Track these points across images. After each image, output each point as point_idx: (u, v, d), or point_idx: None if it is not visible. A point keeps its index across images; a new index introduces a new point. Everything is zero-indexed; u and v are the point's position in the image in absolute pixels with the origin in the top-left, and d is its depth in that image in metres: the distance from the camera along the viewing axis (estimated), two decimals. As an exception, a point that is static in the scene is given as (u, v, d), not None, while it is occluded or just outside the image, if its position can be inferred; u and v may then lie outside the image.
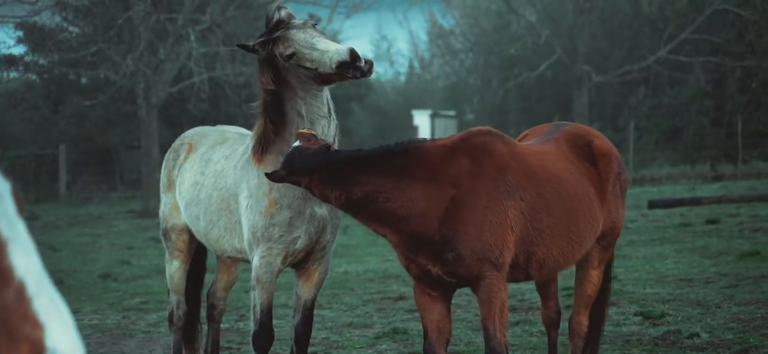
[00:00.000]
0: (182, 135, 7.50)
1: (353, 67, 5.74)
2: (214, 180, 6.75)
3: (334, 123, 6.26)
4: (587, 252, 6.46)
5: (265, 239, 6.27)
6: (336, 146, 6.18)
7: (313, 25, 6.11)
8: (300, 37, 5.97)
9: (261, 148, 6.24)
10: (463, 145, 5.86)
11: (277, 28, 6.05)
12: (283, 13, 6.12)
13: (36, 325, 1.93)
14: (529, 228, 5.86)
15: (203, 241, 7.02)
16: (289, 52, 5.97)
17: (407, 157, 5.70)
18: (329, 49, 5.84)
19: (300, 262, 6.53)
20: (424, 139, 6.00)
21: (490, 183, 5.76)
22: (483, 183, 5.75)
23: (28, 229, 2.11)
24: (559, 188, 6.05)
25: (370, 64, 5.81)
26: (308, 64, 5.92)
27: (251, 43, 6.22)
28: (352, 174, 5.60)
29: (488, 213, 5.71)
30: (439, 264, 5.71)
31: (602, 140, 6.56)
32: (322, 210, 6.26)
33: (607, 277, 6.88)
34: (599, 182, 6.35)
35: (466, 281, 5.82)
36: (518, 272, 6.04)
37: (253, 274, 6.37)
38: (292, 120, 6.13)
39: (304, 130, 5.91)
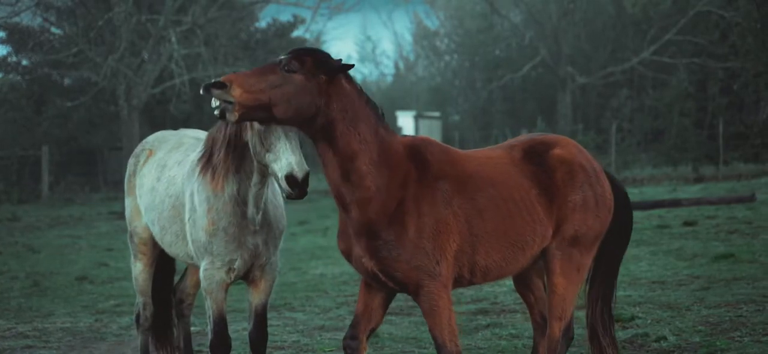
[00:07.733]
0: (144, 140, 7.59)
1: None
2: (166, 186, 6.85)
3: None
4: (547, 260, 6.41)
5: (208, 253, 6.41)
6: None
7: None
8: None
9: (212, 171, 6.34)
10: (407, 151, 5.89)
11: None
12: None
13: None
14: (467, 235, 5.89)
15: (161, 245, 7.09)
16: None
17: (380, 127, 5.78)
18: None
19: (246, 274, 6.62)
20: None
21: (429, 191, 5.80)
22: (424, 191, 5.79)
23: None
24: (494, 193, 6.04)
25: None
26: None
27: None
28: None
29: (428, 221, 5.74)
30: (374, 259, 5.74)
31: (567, 150, 6.41)
32: (255, 239, 6.40)
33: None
34: (551, 188, 6.28)
35: (403, 287, 5.84)
36: (464, 283, 6.06)
37: (201, 285, 6.51)
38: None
39: None
